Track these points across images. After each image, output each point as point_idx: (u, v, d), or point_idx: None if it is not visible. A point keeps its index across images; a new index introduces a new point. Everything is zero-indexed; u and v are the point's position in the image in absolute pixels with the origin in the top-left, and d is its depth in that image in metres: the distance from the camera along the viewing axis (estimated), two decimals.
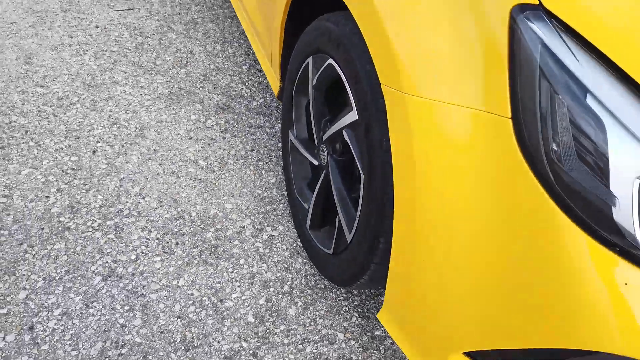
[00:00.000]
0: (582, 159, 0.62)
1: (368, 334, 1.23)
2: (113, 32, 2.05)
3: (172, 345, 1.13)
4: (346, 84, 1.01)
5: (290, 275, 1.32)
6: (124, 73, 1.85)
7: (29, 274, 1.20)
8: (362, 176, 0.99)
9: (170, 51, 2.01)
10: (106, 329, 1.13)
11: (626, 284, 0.60)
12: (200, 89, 1.86)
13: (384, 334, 1.23)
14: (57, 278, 1.21)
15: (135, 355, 1.10)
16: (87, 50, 1.92)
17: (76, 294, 1.18)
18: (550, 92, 0.63)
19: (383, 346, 1.21)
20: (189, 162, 1.57)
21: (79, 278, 1.22)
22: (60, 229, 1.31)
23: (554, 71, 0.63)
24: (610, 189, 0.61)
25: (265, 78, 1.94)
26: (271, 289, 1.28)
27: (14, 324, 1.11)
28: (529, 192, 0.66)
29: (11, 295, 1.16)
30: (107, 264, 1.26)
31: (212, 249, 1.34)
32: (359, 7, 0.90)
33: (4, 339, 1.08)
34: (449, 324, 0.83)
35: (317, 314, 1.25)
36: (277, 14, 1.33)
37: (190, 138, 1.65)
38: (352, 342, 1.20)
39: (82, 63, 1.86)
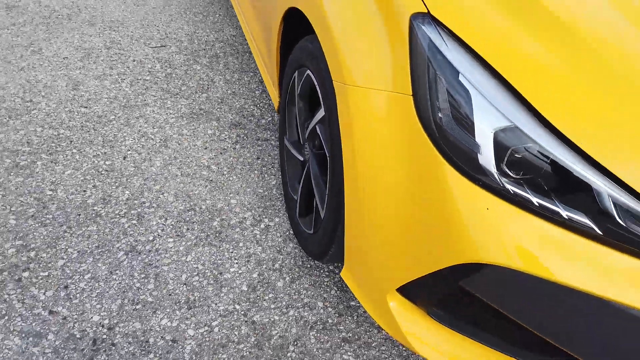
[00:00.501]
0: (457, 120, 0.85)
1: (344, 303, 1.43)
2: (147, 65, 2.40)
3: (177, 304, 1.37)
4: (317, 86, 1.27)
5: (281, 257, 1.55)
6: (153, 97, 2.18)
7: (67, 247, 1.48)
8: (328, 160, 1.23)
9: (194, 80, 2.34)
10: (125, 290, 1.38)
11: (487, 209, 0.82)
12: (218, 109, 2.16)
13: (358, 305, 1.44)
14: (88, 251, 1.48)
15: (147, 310, 1.34)
16: (124, 79, 2.27)
17: (103, 264, 1.45)
18: (435, 75, 0.87)
19: (356, 313, 1.41)
20: (202, 166, 1.85)
21: (106, 252, 1.48)
22: (93, 215, 1.59)
23: (437, 59, 0.87)
24: (476, 140, 0.83)
25: None
26: (264, 267, 1.51)
27: (52, 283, 1.38)
28: (425, 149, 0.88)
29: (52, 262, 1.43)
30: (129, 243, 1.52)
31: (217, 234, 1.59)
32: (320, 28, 1.17)
33: (44, 293, 1.35)
34: (384, 268, 1.05)
35: (301, 286, 1.46)
36: (273, 41, 1.63)
37: (206, 148, 1.94)
38: (330, 309, 1.41)
39: (120, 89, 2.20)
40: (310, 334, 1.34)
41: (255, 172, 1.86)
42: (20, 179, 1.69)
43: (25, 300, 1.32)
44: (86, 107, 2.07)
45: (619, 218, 0.76)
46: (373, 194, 1.01)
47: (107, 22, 2.75)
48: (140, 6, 2.98)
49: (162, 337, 1.28)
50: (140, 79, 2.29)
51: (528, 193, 0.81)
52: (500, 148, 0.81)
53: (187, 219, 1.63)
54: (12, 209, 1.58)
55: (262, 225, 1.64)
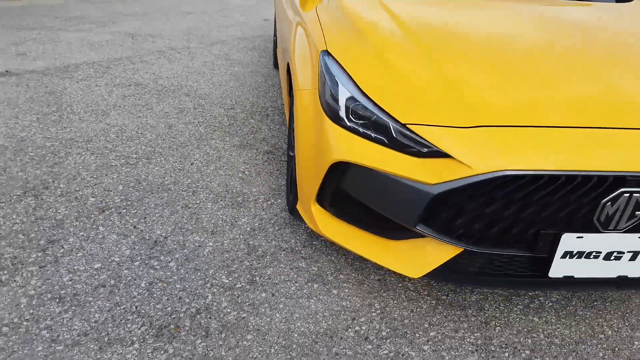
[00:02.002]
0: (332, 97, 1.74)
1: (308, 242, 2.23)
2: (218, 118, 3.52)
3: (205, 231, 2.25)
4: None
5: (276, 217, 2.40)
6: (218, 135, 3.25)
7: (149, 204, 2.46)
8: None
9: (247, 127, 3.40)
10: (177, 224, 2.30)
11: (340, 135, 1.67)
12: (259, 143, 3.16)
13: (316, 242, 2.23)
14: (160, 205, 2.44)
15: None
16: (201, 124, 3.39)
17: (180, 210, 2.40)
18: (324, 79, 1.78)
19: (313, 246, 2.20)
20: (239, 171, 2.81)
21: (170, 207, 2.44)
22: (166, 188, 2.58)
23: (327, 71, 1.79)
24: (339, 105, 1.71)
25: None
26: (263, 221, 2.36)
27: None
28: (320, 114, 1.77)
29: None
30: (185, 204, 2.47)
31: (239, 204, 2.49)
32: (291, 66, 2.14)
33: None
34: (308, 189, 1.88)
35: (284, 232, 2.29)
36: (284, 88, 2.63)
37: (244, 163, 2.91)
38: (298, 243, 2.21)
39: (197, 130, 3.30)
40: (282, 252, 2.15)
41: (273, 177, 2.78)
42: (151, 166, 2.75)
43: None
44: (174, 138, 3.17)
45: (395, 135, 1.58)
46: (302, 146, 1.89)
47: (198, 94, 3.99)
48: (223, 86, 4.22)
49: (197, 240, 2.17)
50: (212, 125, 3.39)
51: (359, 128, 1.65)
52: (347, 108, 1.68)
53: (223, 195, 2.56)
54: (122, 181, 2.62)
55: (269, 202, 2.52)
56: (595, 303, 1.97)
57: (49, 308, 1.75)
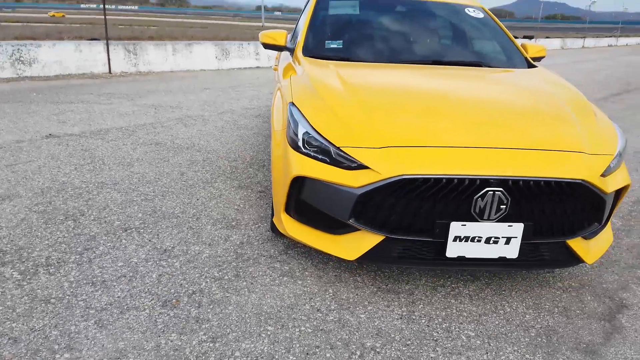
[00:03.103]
0: (294, 133, 2.43)
1: (287, 252, 2.84)
2: (222, 168, 4.24)
3: (196, 236, 2.88)
4: None
5: (261, 235, 3.02)
6: (221, 179, 3.95)
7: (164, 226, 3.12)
8: None
9: (246, 174, 4.10)
10: (182, 234, 2.95)
11: (298, 158, 2.34)
12: (254, 185, 3.85)
13: (295, 251, 2.83)
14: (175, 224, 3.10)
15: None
16: (208, 171, 4.10)
17: (186, 229, 3.05)
18: (289, 121, 2.50)
19: (292, 255, 2.81)
20: (235, 204, 3.47)
21: (178, 225, 3.09)
22: (177, 215, 3.25)
23: (291, 116, 2.50)
24: (298, 138, 2.40)
25: None
26: (250, 235, 2.99)
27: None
28: (286, 146, 2.46)
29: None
30: (193, 226, 3.12)
31: (232, 227, 3.13)
32: (271, 114, 2.88)
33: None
34: (279, 202, 2.54)
35: (265, 245, 2.91)
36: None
37: (240, 199, 3.58)
38: (276, 253, 2.83)
39: (204, 175, 4.01)
40: (262, 258, 2.75)
41: (262, 208, 3.43)
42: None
43: None
44: (184, 182, 3.88)
45: (334, 156, 2.24)
46: (275, 170, 2.56)
47: (207, 150, 4.75)
48: (229, 144, 5.00)
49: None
50: (216, 173, 4.11)
51: (311, 153, 2.33)
52: (303, 139, 2.37)
53: (220, 220, 3.21)
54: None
55: (257, 225, 3.16)
56: (504, 291, 2.52)
57: (84, 289, 2.37)
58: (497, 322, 2.26)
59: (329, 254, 2.47)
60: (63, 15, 50.86)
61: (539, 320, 2.30)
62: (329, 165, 2.25)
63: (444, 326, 2.22)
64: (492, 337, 2.16)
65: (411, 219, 2.16)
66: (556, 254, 2.29)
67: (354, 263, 2.64)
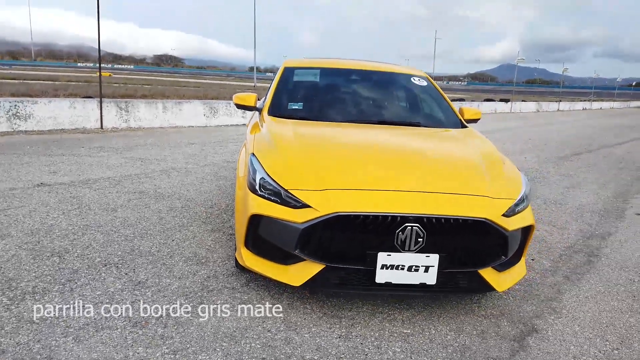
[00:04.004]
0: (252, 179, 2.89)
1: (249, 284, 3.22)
2: (199, 213, 4.65)
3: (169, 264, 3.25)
4: None
5: (227, 271, 3.40)
6: (197, 224, 4.35)
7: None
8: None
9: (220, 219, 4.51)
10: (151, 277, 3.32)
11: (255, 199, 2.78)
12: (226, 229, 4.25)
13: (255, 284, 3.21)
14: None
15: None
16: (186, 217, 4.51)
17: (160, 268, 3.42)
18: (249, 169, 2.96)
19: (252, 287, 3.18)
20: (207, 245, 3.85)
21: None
22: (153, 253, 3.62)
23: (251, 164, 2.97)
24: (256, 182, 2.85)
25: None
26: (218, 272, 3.36)
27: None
28: (246, 190, 2.91)
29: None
30: (166, 262, 3.49)
31: (202, 264, 3.51)
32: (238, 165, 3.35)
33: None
34: (239, 236, 2.95)
35: (230, 279, 3.28)
36: None
37: (212, 240, 3.97)
38: (238, 286, 3.20)
39: (182, 220, 4.42)
40: (225, 289, 3.11)
41: (231, 249, 3.81)
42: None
43: None
44: (162, 225, 4.27)
45: (284, 197, 2.69)
46: (237, 211, 2.99)
47: (186, 198, 5.18)
48: (208, 193, 5.43)
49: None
50: (193, 218, 4.52)
51: (266, 195, 2.77)
52: (260, 184, 2.82)
53: (192, 258, 3.58)
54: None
55: (225, 262, 3.53)
56: (433, 317, 2.90)
57: (63, 311, 2.71)
58: (421, 341, 2.64)
59: (282, 283, 2.85)
60: (110, 75, 53.04)
61: (458, 340, 2.67)
62: (280, 205, 2.69)
63: (375, 344, 2.59)
64: (414, 352, 2.53)
65: (346, 249, 2.58)
66: (470, 282, 2.71)
67: (300, 289, 3.01)
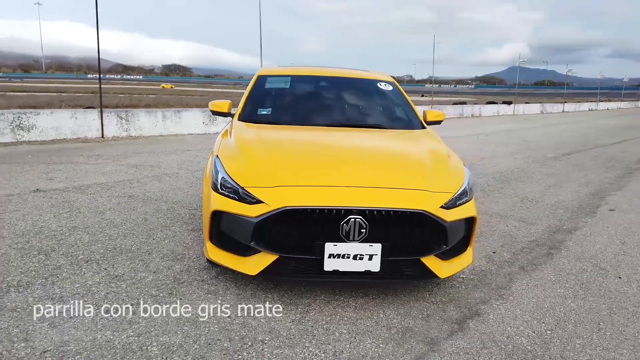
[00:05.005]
0: (214, 178, 3.14)
1: (218, 277, 3.46)
2: (182, 214, 4.91)
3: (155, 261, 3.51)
4: None
5: (200, 266, 3.65)
6: (178, 224, 4.61)
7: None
8: None
9: (201, 220, 4.77)
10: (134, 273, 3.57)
11: (216, 197, 3.03)
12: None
13: (224, 277, 3.45)
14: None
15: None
16: (168, 218, 4.77)
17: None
18: (213, 169, 3.21)
19: (221, 280, 3.43)
20: (185, 243, 4.11)
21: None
22: (132, 250, 3.88)
23: (214, 165, 3.22)
24: (217, 181, 3.10)
25: None
26: (191, 267, 3.61)
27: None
28: (210, 188, 3.16)
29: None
30: (145, 259, 3.75)
31: (178, 259, 3.76)
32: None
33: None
34: (205, 232, 3.20)
35: (201, 272, 3.53)
36: None
37: (191, 239, 4.23)
38: (208, 278, 3.45)
39: (165, 222, 4.68)
40: (195, 282, 3.36)
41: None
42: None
43: None
44: (146, 226, 4.53)
45: (240, 194, 2.94)
46: (204, 208, 3.25)
47: (173, 201, 5.45)
48: (195, 196, 5.70)
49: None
50: (176, 219, 4.78)
51: (225, 192, 3.02)
52: (221, 183, 3.07)
53: (168, 255, 3.83)
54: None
55: (199, 259, 3.78)
56: (384, 304, 3.12)
57: (44, 302, 2.97)
58: (368, 324, 2.86)
59: (241, 273, 3.09)
60: (172, 87, 54.32)
61: (402, 323, 2.90)
62: (237, 202, 2.94)
63: (324, 327, 2.82)
64: (359, 334, 2.75)
65: (296, 241, 2.82)
66: (414, 269, 2.93)
67: (256, 278, 3.25)
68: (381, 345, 2.65)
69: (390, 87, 4.62)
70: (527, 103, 35.48)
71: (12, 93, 29.49)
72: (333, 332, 2.76)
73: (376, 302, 3.15)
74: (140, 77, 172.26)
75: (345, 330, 2.78)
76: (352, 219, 2.75)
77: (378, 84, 4.64)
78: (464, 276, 3.62)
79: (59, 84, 53.30)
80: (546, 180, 7.75)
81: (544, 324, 2.95)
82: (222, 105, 4.37)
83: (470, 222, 3.13)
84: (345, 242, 2.78)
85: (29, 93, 30.57)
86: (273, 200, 2.81)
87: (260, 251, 2.91)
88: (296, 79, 4.63)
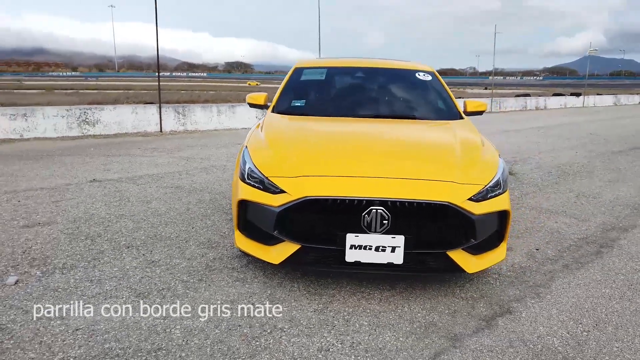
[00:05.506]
0: (243, 168, 3.18)
1: (248, 266, 3.53)
2: (223, 205, 5.04)
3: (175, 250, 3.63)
4: None
5: (232, 254, 3.73)
6: (218, 214, 4.74)
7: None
8: None
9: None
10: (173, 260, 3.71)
11: (243, 187, 3.08)
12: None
13: (252, 265, 3.51)
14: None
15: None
16: (209, 208, 4.91)
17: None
18: (242, 160, 3.26)
19: (250, 268, 3.49)
20: (221, 232, 4.21)
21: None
22: (171, 238, 4.03)
23: (243, 156, 3.27)
24: (245, 172, 3.15)
25: None
26: (224, 255, 3.70)
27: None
28: (238, 178, 3.22)
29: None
30: (181, 246, 3.89)
31: (212, 247, 3.86)
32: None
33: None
34: (234, 221, 3.26)
35: (233, 260, 3.61)
36: None
37: (228, 228, 4.32)
38: (238, 267, 3.52)
39: (205, 211, 4.82)
40: (225, 269, 3.44)
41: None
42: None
43: None
44: (187, 215, 4.69)
45: (266, 184, 2.96)
46: (233, 196, 3.31)
47: (216, 192, 5.59)
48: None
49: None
50: (216, 209, 4.90)
51: (251, 182, 3.06)
52: (248, 173, 3.11)
53: (204, 243, 3.95)
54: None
55: (233, 247, 3.87)
56: (411, 297, 3.05)
57: (84, 284, 3.15)
58: (390, 317, 2.81)
59: (266, 262, 3.12)
60: (257, 84, 57.07)
61: (427, 317, 2.82)
62: (262, 191, 2.97)
63: (345, 318, 2.79)
64: (380, 326, 2.71)
65: (318, 231, 2.81)
66: (439, 263, 2.84)
67: (279, 266, 3.26)
68: (401, 338, 2.59)
69: (429, 77, 4.48)
70: (599, 94, 33.33)
71: (85, 90, 31.46)
72: (353, 324, 2.73)
73: (402, 295, 3.08)
74: (205, 74, 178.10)
75: (366, 322, 2.75)
76: (374, 210, 2.71)
77: (416, 74, 4.51)
78: (500, 272, 3.47)
79: (129, 82, 56.25)
80: (607, 176, 7.26)
81: (580, 325, 2.77)
82: (259, 97, 4.43)
83: (503, 215, 2.99)
84: (367, 233, 2.74)
85: (100, 90, 32.47)
86: (295, 190, 2.82)
87: (283, 240, 2.93)
88: (332, 71, 4.60)
